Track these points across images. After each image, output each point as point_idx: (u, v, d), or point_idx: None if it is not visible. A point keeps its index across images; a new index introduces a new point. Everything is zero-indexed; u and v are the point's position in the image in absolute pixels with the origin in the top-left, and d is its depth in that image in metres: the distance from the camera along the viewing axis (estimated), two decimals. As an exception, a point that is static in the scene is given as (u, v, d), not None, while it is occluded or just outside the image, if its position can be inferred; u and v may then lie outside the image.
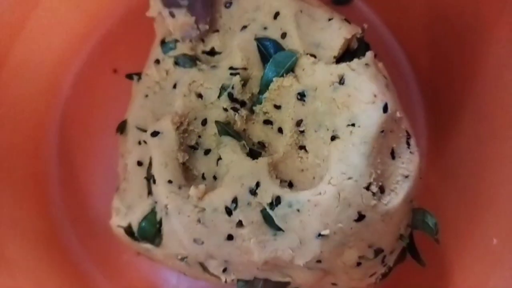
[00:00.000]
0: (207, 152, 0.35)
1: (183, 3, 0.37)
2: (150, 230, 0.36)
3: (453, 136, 0.45)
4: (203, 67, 0.36)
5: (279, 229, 0.32)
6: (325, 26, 0.35)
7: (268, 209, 0.32)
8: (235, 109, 0.35)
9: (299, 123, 0.34)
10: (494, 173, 0.40)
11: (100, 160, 0.50)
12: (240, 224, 0.33)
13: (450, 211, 0.42)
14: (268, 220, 0.32)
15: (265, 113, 0.35)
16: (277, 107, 0.35)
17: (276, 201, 0.32)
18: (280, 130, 0.35)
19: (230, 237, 0.33)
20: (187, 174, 0.35)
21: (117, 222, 0.38)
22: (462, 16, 0.42)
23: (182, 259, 0.36)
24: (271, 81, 0.34)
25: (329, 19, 0.35)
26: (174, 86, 0.37)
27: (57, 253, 0.48)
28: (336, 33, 0.35)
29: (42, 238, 0.48)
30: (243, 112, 0.35)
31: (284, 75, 0.34)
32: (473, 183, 0.41)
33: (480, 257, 0.38)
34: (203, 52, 0.38)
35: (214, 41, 0.38)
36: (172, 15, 0.37)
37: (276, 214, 0.32)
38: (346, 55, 0.35)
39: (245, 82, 0.35)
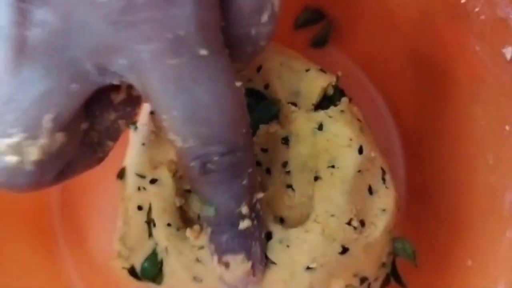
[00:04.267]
0: None
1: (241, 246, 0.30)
2: (152, 270, 0.38)
3: (430, 166, 0.49)
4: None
5: (271, 261, 0.35)
6: (303, 77, 0.38)
7: None
8: None
9: (284, 164, 0.37)
10: (468, 202, 0.43)
11: (101, 202, 0.53)
12: None
13: (428, 236, 0.46)
14: None
15: None
16: (264, 150, 0.38)
17: (267, 237, 0.35)
18: (268, 170, 0.38)
19: None
20: (184, 217, 0.38)
21: (121, 264, 0.40)
22: (432, 54, 0.46)
23: (183, 296, 0.38)
24: (258, 128, 0.37)
25: (307, 70, 0.39)
26: (169, 134, 0.40)
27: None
28: (313, 82, 0.38)
29: (46, 280, 0.50)
30: None
31: (269, 122, 0.37)
32: (448, 209, 0.45)
33: (456, 277, 0.41)
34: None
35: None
36: (226, 265, 0.31)
37: (268, 248, 0.35)
38: (324, 100, 0.39)
39: None
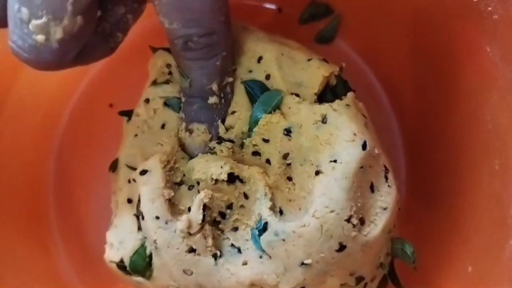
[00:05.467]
0: (191, 187, 0.37)
1: (206, 118, 0.37)
2: (141, 264, 0.37)
3: (432, 168, 0.47)
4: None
5: (265, 254, 0.34)
6: (305, 66, 0.38)
7: (256, 232, 0.34)
8: (220, 143, 0.37)
9: (285, 156, 0.36)
10: (471, 207, 0.42)
11: (96, 194, 0.52)
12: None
13: (429, 239, 0.44)
14: (255, 240, 0.34)
15: (254, 145, 0.37)
16: (266, 140, 0.37)
17: (263, 227, 0.34)
18: (268, 161, 0.37)
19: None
20: (173, 210, 0.36)
21: (110, 257, 0.39)
22: (439, 53, 0.45)
23: (173, 290, 0.37)
24: (260, 119, 0.36)
25: (309, 60, 0.38)
26: (163, 127, 0.39)
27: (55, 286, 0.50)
28: (315, 72, 0.37)
29: (41, 272, 0.50)
30: (228, 144, 0.37)
31: (272, 112, 0.36)
32: (449, 213, 0.44)
33: (456, 283, 0.40)
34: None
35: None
36: (190, 132, 0.37)
37: (263, 240, 0.34)
38: (326, 91, 0.38)
39: (232, 126, 0.37)
